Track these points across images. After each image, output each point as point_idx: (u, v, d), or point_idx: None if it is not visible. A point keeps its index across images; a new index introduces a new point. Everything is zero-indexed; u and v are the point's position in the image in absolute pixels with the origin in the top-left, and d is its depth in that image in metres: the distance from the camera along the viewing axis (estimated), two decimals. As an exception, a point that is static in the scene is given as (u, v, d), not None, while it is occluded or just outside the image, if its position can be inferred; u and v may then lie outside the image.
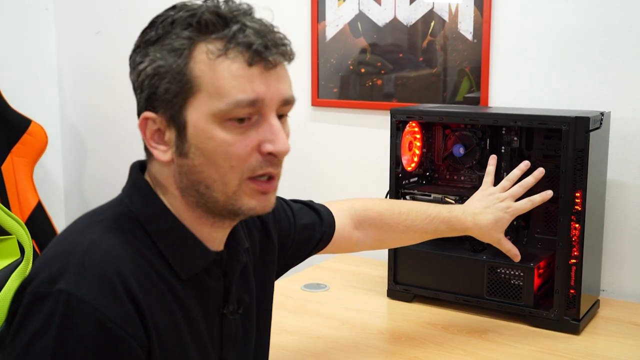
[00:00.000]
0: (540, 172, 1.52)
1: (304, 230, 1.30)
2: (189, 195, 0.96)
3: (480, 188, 1.55)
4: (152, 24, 0.95)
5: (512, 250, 1.52)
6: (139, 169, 1.01)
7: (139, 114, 0.96)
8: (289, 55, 0.96)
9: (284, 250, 1.26)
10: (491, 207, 1.50)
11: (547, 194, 1.51)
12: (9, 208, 2.40)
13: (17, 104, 2.51)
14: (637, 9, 1.74)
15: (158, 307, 0.91)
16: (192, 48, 0.91)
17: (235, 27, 0.91)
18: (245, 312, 1.08)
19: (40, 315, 0.84)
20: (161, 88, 0.92)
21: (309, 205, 1.35)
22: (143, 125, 0.95)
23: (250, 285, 1.12)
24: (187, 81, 0.91)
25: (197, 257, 0.98)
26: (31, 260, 1.19)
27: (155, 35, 0.93)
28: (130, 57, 0.96)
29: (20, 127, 2.47)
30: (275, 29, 0.96)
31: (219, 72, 0.90)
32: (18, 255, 1.20)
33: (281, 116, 0.96)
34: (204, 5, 0.93)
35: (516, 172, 1.53)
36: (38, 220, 2.49)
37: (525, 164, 1.53)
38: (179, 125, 0.93)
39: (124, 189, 1.01)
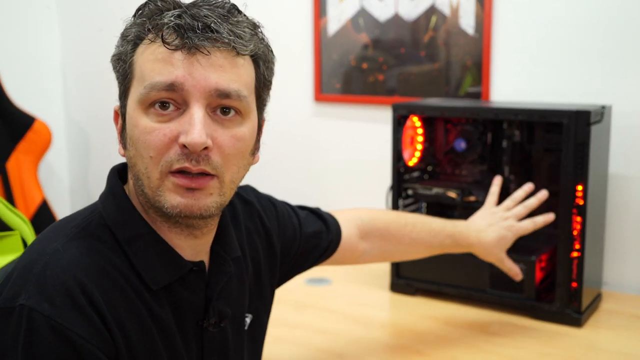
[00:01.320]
0: (543, 194, 1.55)
1: (310, 239, 1.26)
2: (138, 193, 0.93)
3: (483, 207, 1.57)
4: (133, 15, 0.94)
5: (513, 269, 1.54)
6: (117, 173, 0.98)
7: None
8: (232, 46, 0.88)
9: (287, 258, 1.22)
10: (494, 225, 1.51)
11: (550, 216, 1.55)
12: (14, 205, 2.41)
13: (22, 102, 2.53)
14: (637, 2, 1.74)
15: (126, 315, 0.88)
16: (131, 35, 0.90)
17: (172, 12, 0.88)
18: (233, 322, 1.04)
19: (6, 332, 0.82)
20: (117, 76, 0.93)
21: (315, 212, 1.31)
22: (115, 120, 0.96)
23: (243, 296, 1.08)
24: (126, 68, 0.90)
25: (168, 266, 0.93)
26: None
27: (127, 24, 0.93)
28: None
29: (25, 125, 2.49)
30: (234, 20, 0.90)
31: (145, 57, 0.89)
32: (22, 251, 1.21)
33: (226, 111, 0.90)
34: None
35: (520, 193, 1.55)
36: (43, 218, 2.51)
37: (529, 187, 1.56)
38: (123, 115, 0.93)
39: (101, 195, 0.98)
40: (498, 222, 1.51)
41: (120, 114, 0.94)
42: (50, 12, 2.79)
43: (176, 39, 0.86)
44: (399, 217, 1.45)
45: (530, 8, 1.88)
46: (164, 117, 0.87)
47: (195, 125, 0.86)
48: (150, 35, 0.88)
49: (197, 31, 0.86)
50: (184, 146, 0.86)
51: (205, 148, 0.87)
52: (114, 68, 0.94)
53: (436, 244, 1.46)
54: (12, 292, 0.84)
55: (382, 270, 1.92)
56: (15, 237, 1.20)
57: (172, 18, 0.87)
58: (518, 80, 1.93)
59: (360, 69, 2.15)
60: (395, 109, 1.75)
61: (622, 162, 1.79)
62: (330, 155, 2.27)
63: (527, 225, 1.53)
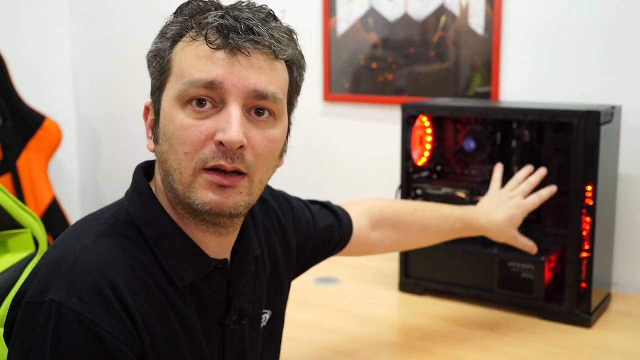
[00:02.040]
0: (543, 171, 1.60)
1: (324, 233, 1.28)
2: (167, 189, 0.93)
3: (489, 192, 1.61)
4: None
5: (528, 244, 1.57)
6: (142, 171, 0.99)
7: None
8: (272, 50, 0.90)
9: (303, 253, 1.24)
10: (503, 205, 1.54)
11: (552, 189, 1.59)
12: (24, 204, 2.43)
13: (32, 100, 2.54)
14: (649, 2, 1.74)
15: (153, 313, 0.89)
16: (170, 32, 0.92)
17: (215, 13, 0.90)
18: (250, 320, 1.06)
19: (34, 327, 0.83)
20: (152, 72, 0.94)
21: (327, 207, 1.33)
22: (145, 116, 0.96)
23: (261, 293, 1.09)
24: (164, 64, 0.92)
25: (194, 264, 0.95)
26: (46, 253, 1.21)
27: (163, 25, 0.94)
28: None
29: (35, 123, 2.50)
30: (274, 25, 0.93)
31: (186, 54, 0.90)
32: (33, 249, 1.21)
33: (260, 112, 0.92)
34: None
35: (522, 173, 1.61)
36: (53, 216, 2.52)
37: (529, 168, 1.62)
38: (157, 111, 0.93)
39: (127, 192, 0.98)
40: (506, 202, 1.55)
41: (154, 110, 0.95)
42: (62, 10, 2.80)
43: (219, 38, 0.88)
44: (408, 205, 1.47)
45: (539, 8, 1.88)
46: (201, 115, 0.89)
47: (234, 124, 0.87)
48: (192, 34, 0.90)
49: (240, 32, 0.88)
50: (220, 144, 0.88)
51: (241, 147, 0.88)
52: (150, 64, 0.95)
53: (447, 228, 1.47)
54: (41, 287, 0.85)
55: (391, 270, 1.92)
56: (27, 235, 1.20)
57: (216, 18, 0.89)
58: (527, 80, 1.92)
59: (370, 68, 2.15)
60: (405, 109, 1.75)
61: (632, 162, 1.78)
62: (340, 155, 2.28)
63: (533, 200, 1.57)
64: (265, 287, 1.11)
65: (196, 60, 0.89)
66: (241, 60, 0.88)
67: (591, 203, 1.54)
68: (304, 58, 1.00)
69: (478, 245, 1.73)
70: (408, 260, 1.79)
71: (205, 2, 0.93)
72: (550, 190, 1.59)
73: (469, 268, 1.72)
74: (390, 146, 2.06)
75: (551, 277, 1.65)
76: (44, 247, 1.21)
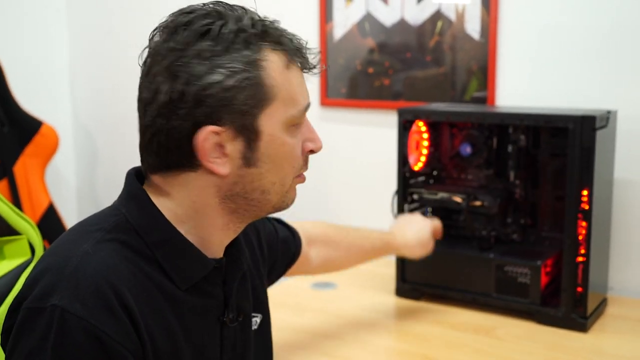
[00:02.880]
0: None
1: (283, 244, 1.33)
2: (232, 202, 0.96)
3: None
4: (203, 34, 0.90)
5: (436, 230, 1.68)
6: (134, 176, 0.99)
7: (185, 127, 0.90)
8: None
9: (270, 262, 1.27)
10: (415, 231, 1.65)
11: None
12: (20, 209, 2.43)
13: (29, 106, 2.54)
14: (643, 7, 1.74)
15: (154, 318, 0.90)
16: (265, 59, 0.92)
17: (288, 38, 0.96)
18: (244, 319, 1.07)
19: (35, 332, 0.83)
20: (239, 99, 0.90)
21: (279, 220, 1.37)
22: (203, 140, 0.90)
23: (248, 294, 1.10)
24: (264, 91, 0.92)
25: (195, 266, 0.97)
26: (42, 260, 1.20)
27: (218, 46, 0.90)
28: (178, 69, 0.89)
29: (32, 129, 2.50)
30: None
31: (290, 80, 0.95)
32: (29, 255, 1.21)
33: None
34: (246, 17, 0.93)
35: None
36: (50, 222, 2.52)
37: None
38: (251, 135, 0.92)
39: (120, 198, 0.98)
40: (412, 224, 1.66)
41: (244, 134, 0.92)
42: (59, 15, 2.80)
43: (306, 64, 0.99)
44: (335, 225, 1.56)
45: (535, 13, 1.88)
46: (297, 132, 0.98)
47: (316, 133, 1.02)
48: (285, 61, 0.95)
49: (305, 51, 0.98)
50: (309, 151, 1.01)
51: None
52: (239, 89, 0.90)
53: (368, 246, 1.56)
54: (42, 292, 0.85)
55: (388, 275, 1.92)
56: (22, 241, 1.20)
57: (289, 38, 0.96)
58: (523, 84, 1.93)
59: (366, 73, 2.16)
60: (401, 113, 1.75)
61: (627, 166, 1.79)
62: (336, 160, 2.28)
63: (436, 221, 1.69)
64: (251, 289, 1.12)
65: (300, 86, 0.97)
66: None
67: (587, 207, 1.54)
68: None
69: (474, 250, 1.73)
70: (404, 265, 1.79)
71: (274, 25, 0.97)
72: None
73: (466, 272, 1.72)
74: (386, 151, 2.06)
75: (547, 281, 1.66)
76: (39, 254, 1.21)
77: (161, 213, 0.95)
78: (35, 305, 0.84)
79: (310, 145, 1.00)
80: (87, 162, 2.89)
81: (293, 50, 0.95)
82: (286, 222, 1.39)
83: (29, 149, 2.50)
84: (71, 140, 2.88)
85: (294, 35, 0.97)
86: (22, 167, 2.49)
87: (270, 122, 0.93)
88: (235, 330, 1.05)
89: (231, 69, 0.89)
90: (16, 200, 2.44)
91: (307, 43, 0.98)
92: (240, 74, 0.90)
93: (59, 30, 2.81)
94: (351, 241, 1.53)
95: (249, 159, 0.94)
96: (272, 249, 1.27)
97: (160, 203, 0.96)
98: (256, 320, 1.14)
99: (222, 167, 0.93)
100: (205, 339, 0.99)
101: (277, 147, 0.95)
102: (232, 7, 0.94)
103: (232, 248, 1.04)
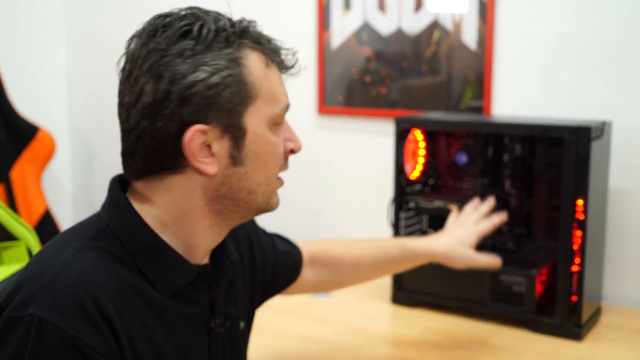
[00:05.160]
0: (492, 201, 1.60)
1: (284, 258, 1.30)
2: (218, 203, 0.96)
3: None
4: (184, 34, 0.90)
5: (490, 261, 1.50)
6: (118, 183, 0.98)
7: (172, 127, 0.90)
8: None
9: (265, 275, 1.24)
10: (451, 229, 1.53)
11: (503, 216, 1.58)
12: (17, 214, 2.42)
13: (26, 111, 2.54)
14: (638, 18, 1.76)
15: (136, 326, 0.89)
16: (245, 57, 0.93)
17: (266, 39, 0.97)
18: (231, 326, 1.07)
19: (13, 341, 0.82)
20: (224, 97, 0.91)
21: (279, 236, 1.35)
22: (190, 139, 0.90)
23: (237, 300, 1.10)
24: (247, 89, 0.92)
25: (178, 273, 0.96)
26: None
27: (200, 44, 0.90)
28: (161, 69, 0.89)
29: (29, 134, 2.50)
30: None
31: (271, 79, 0.96)
32: (27, 261, 1.21)
33: None
34: (223, 18, 0.94)
35: (470, 205, 1.61)
36: (46, 227, 2.52)
37: (476, 200, 1.62)
38: (237, 134, 0.93)
39: (103, 205, 0.98)
40: (453, 227, 1.54)
41: (230, 133, 0.92)
42: (57, 20, 2.80)
43: (284, 64, 0.99)
44: (339, 240, 1.48)
45: (531, 24, 1.90)
46: (279, 131, 0.99)
47: (295, 133, 1.02)
48: (265, 59, 0.95)
49: (283, 52, 0.99)
50: (291, 151, 1.01)
51: None
52: (223, 87, 0.91)
53: (381, 256, 1.44)
54: (21, 302, 0.85)
55: (383, 283, 1.92)
56: (20, 247, 1.21)
57: (271, 40, 0.97)
58: (519, 94, 1.94)
59: (363, 82, 2.17)
60: (398, 122, 1.76)
61: (622, 177, 1.80)
62: (333, 168, 2.28)
63: (485, 225, 1.54)
64: (240, 295, 1.12)
65: (280, 86, 0.98)
66: None
67: (582, 217, 1.55)
68: None
69: (470, 258, 1.74)
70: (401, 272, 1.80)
71: (254, 26, 0.97)
72: (501, 217, 1.57)
73: (461, 281, 1.72)
74: (383, 159, 2.07)
75: (542, 290, 1.67)
76: (37, 259, 1.21)
77: (142, 220, 0.94)
78: (14, 315, 0.84)
79: (290, 145, 1.01)
80: (84, 167, 2.89)
81: (271, 50, 0.96)
82: (287, 238, 1.36)
83: (26, 155, 2.50)
84: (68, 145, 2.88)
85: (270, 37, 0.98)
86: (19, 173, 2.49)
87: (254, 120, 0.94)
88: (223, 335, 1.05)
89: (215, 67, 0.90)
90: (12, 206, 2.44)
91: (283, 44, 1.00)
92: (224, 71, 0.90)
93: (56, 35, 2.81)
94: (358, 254, 1.43)
95: (235, 157, 0.94)
96: (268, 262, 1.25)
97: (143, 209, 0.95)
98: (242, 324, 1.13)
99: (210, 166, 0.93)
100: (192, 346, 0.98)
101: (262, 145, 0.95)
102: (207, 12, 0.95)
103: (218, 252, 1.04)
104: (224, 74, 0.90)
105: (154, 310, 0.92)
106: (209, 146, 0.92)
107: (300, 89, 2.28)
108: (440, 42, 2.02)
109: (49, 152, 2.56)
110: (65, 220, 2.79)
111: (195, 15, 0.93)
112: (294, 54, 1.00)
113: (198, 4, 0.98)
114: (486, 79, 1.96)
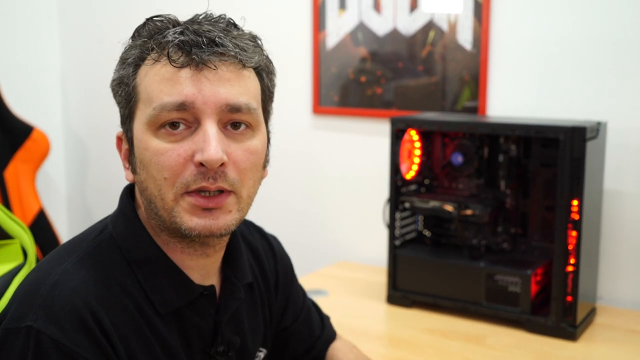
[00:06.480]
0: None
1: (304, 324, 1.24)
2: (150, 217, 0.91)
3: None
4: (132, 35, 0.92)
5: None
6: (128, 192, 0.96)
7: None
8: (238, 59, 0.87)
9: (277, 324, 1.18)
10: None
11: None
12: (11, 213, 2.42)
13: (20, 111, 2.53)
14: (633, 20, 1.76)
15: (134, 340, 0.87)
16: (140, 57, 0.88)
17: (173, 30, 0.87)
18: (241, 355, 1.02)
19: (13, 353, 0.81)
20: (119, 100, 0.91)
21: (321, 315, 1.30)
22: (118, 146, 0.94)
23: (257, 326, 1.05)
24: (130, 92, 0.88)
25: (178, 290, 0.91)
26: (34, 264, 1.21)
27: (122, 50, 0.91)
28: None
29: (23, 134, 2.50)
30: (236, 34, 0.89)
31: (150, 77, 0.87)
32: (21, 259, 1.21)
33: (236, 125, 0.89)
34: (165, 19, 0.90)
35: None
36: (40, 227, 2.51)
37: None
38: (130, 140, 0.91)
39: (112, 214, 0.97)
40: None
41: (126, 139, 0.92)
42: (51, 22, 2.80)
43: (181, 56, 0.85)
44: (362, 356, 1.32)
45: (527, 24, 1.90)
46: (175, 137, 0.85)
47: (211, 142, 0.84)
48: (153, 55, 0.87)
49: (203, 46, 0.84)
50: (200, 164, 0.84)
51: (222, 164, 0.85)
52: (115, 93, 0.91)
53: None
54: (19, 312, 0.83)
55: (379, 283, 1.92)
56: (15, 245, 1.20)
57: (175, 35, 0.85)
58: (514, 95, 1.94)
59: (359, 82, 2.17)
60: (393, 122, 1.76)
61: (616, 177, 1.80)
62: (328, 168, 2.28)
63: None
64: (262, 321, 1.07)
65: (162, 83, 0.85)
66: (208, 75, 0.85)
67: (577, 217, 1.55)
68: (271, 62, 0.96)
69: (465, 259, 1.74)
70: (396, 273, 1.80)
71: (162, 20, 0.89)
72: None
73: (456, 281, 1.73)
74: (378, 159, 2.07)
75: (537, 290, 1.67)
76: (32, 258, 1.21)
77: (146, 230, 0.92)
78: (12, 326, 0.82)
79: (197, 156, 0.84)
80: (78, 167, 2.89)
81: (166, 45, 0.86)
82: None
83: (20, 154, 2.50)
84: (62, 145, 2.87)
85: (204, 29, 0.86)
86: (13, 172, 2.48)
87: (137, 124, 0.89)
88: None
89: (115, 70, 0.92)
90: (6, 206, 2.43)
91: (212, 36, 0.86)
92: (118, 72, 0.91)
93: (51, 36, 2.81)
94: None
95: (132, 164, 0.91)
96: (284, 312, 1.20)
97: (148, 221, 0.93)
98: (260, 355, 1.08)
99: (127, 173, 0.93)
100: None
101: (142, 151, 0.87)
102: (174, 18, 0.91)
103: (231, 275, 0.99)
104: (115, 75, 0.90)
105: (150, 325, 0.90)
106: (128, 152, 0.92)
107: (295, 89, 2.28)
108: (435, 42, 2.03)
109: (43, 151, 2.55)
110: (59, 220, 2.79)
111: (162, 17, 0.91)
112: (209, 45, 0.85)
113: (190, 5, 0.97)
114: (481, 80, 1.96)
